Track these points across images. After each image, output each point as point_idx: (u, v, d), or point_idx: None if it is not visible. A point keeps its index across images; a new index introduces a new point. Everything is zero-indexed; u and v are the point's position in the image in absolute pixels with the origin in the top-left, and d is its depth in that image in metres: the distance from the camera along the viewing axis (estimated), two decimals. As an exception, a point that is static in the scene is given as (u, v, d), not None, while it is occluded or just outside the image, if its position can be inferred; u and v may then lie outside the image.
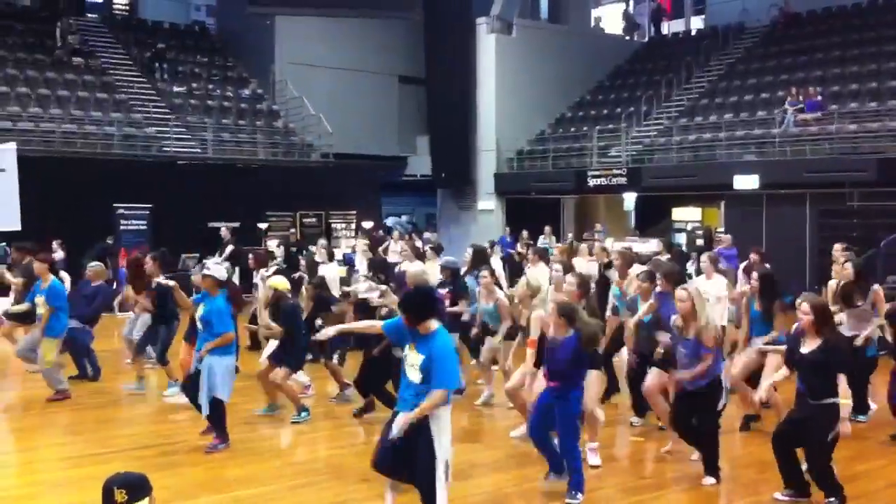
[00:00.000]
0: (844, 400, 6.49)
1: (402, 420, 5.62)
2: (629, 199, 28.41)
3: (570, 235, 24.38)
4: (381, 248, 19.50)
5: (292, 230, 24.65)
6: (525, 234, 23.22)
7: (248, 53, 29.88)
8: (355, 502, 7.05)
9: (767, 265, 11.02)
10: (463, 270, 11.71)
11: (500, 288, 11.10)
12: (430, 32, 29.43)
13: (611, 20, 37.07)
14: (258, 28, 28.90)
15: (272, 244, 22.23)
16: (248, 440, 8.90)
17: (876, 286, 9.64)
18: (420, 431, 5.63)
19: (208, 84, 28.47)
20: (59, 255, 16.98)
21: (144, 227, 22.02)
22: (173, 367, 10.91)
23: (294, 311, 9.91)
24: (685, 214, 29.32)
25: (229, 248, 19.57)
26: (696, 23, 36.62)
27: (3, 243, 18.24)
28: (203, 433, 8.82)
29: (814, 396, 6.51)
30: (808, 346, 6.63)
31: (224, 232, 20.49)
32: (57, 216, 19.65)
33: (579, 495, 6.95)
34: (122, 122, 24.56)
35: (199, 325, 8.56)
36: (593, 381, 7.90)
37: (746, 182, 22.76)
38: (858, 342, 9.24)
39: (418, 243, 19.27)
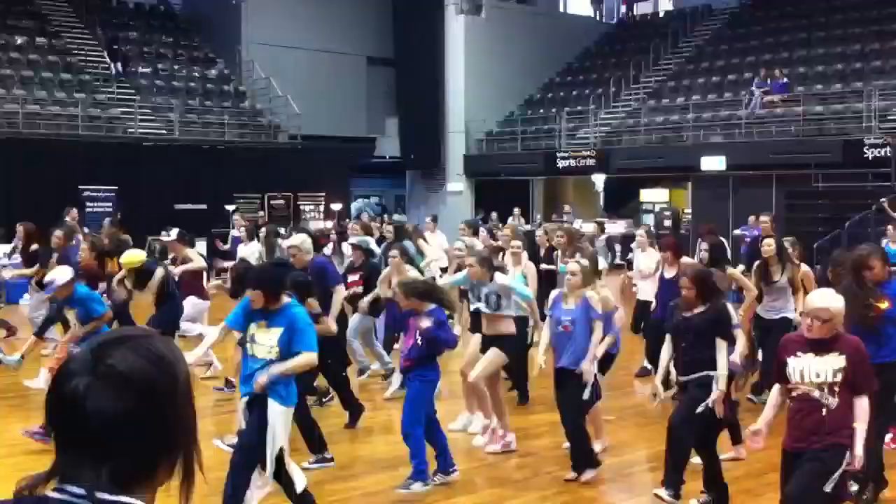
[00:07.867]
0: (722, 371, 5.93)
1: (262, 379, 5.28)
2: (599, 181, 28.54)
3: (538, 217, 24.46)
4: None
5: (261, 213, 24.47)
6: (494, 215, 23.22)
7: (214, 34, 29.52)
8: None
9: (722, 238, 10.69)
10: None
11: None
12: (399, 13, 29.29)
13: (579, 2, 37.03)
14: (225, 8, 28.57)
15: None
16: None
17: (805, 268, 9.06)
18: (257, 414, 5.36)
19: (174, 64, 28.13)
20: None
21: (110, 210, 21.77)
22: None
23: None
24: (653, 196, 29.51)
25: None
26: (665, 4, 36.73)
27: None
28: None
29: (690, 369, 6.03)
30: (690, 312, 6.11)
31: None
32: (21, 199, 19.37)
33: (416, 485, 6.30)
34: (86, 103, 24.24)
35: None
36: (491, 356, 7.32)
37: (713, 163, 22.94)
38: (793, 317, 8.44)
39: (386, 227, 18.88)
